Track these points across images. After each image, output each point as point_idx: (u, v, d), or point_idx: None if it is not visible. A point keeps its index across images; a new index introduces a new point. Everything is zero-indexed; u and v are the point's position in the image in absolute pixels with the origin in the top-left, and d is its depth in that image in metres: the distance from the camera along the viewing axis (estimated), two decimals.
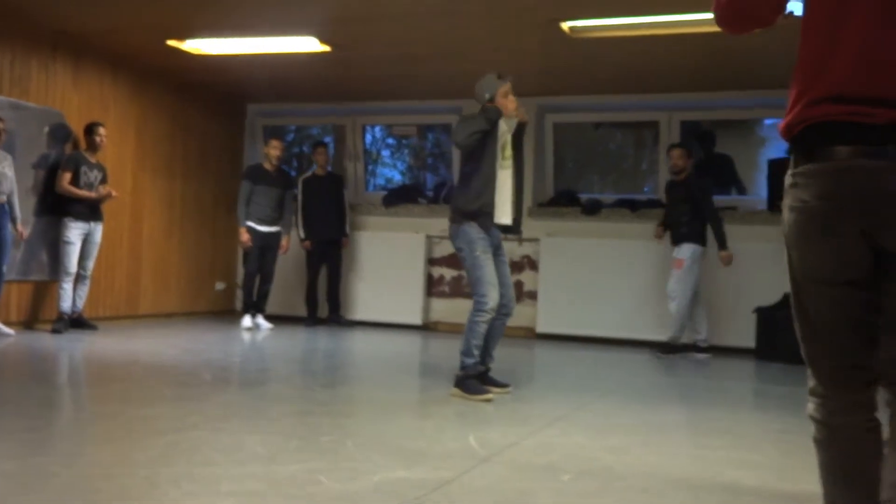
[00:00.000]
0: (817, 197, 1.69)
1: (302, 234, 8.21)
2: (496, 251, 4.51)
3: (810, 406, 1.83)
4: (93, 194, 6.77)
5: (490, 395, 4.33)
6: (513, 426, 3.70)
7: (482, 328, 4.39)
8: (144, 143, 7.94)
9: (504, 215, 4.53)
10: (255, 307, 7.84)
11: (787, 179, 1.77)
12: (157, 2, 5.78)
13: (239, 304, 9.10)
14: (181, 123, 8.39)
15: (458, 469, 2.88)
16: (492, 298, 4.35)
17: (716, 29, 6.48)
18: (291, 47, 6.70)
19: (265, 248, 7.78)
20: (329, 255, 8.29)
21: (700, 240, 6.82)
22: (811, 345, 1.82)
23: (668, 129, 7.93)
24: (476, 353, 4.41)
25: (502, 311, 4.51)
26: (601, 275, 7.74)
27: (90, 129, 6.85)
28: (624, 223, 7.89)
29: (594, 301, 7.76)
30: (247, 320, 7.75)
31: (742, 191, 8.21)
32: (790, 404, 4.65)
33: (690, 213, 6.81)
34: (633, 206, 7.89)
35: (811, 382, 1.83)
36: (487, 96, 4.47)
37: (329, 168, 8.43)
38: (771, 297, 7.12)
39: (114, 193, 6.88)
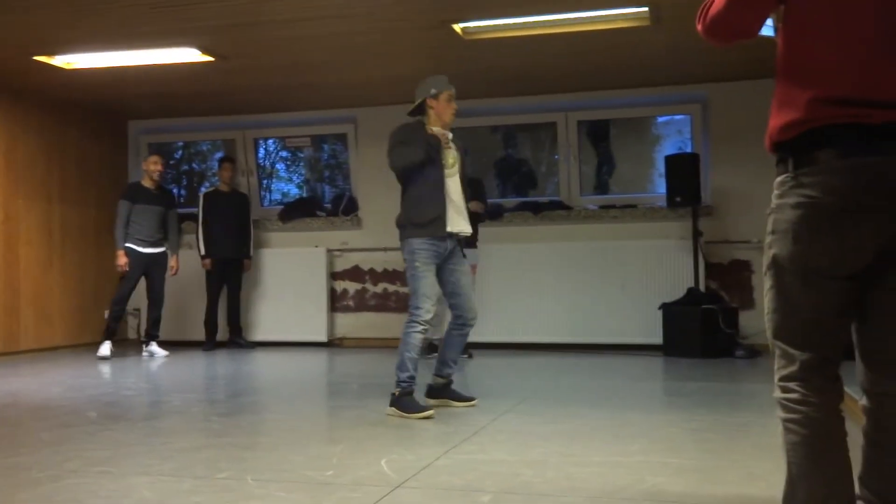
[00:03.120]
0: (828, 193, 1.83)
1: (202, 252, 7.81)
2: (448, 261, 4.35)
3: (782, 390, 1.96)
4: None
5: (430, 412, 4.14)
6: (427, 446, 3.49)
7: (415, 339, 4.22)
8: (15, 166, 7.41)
9: (459, 224, 4.37)
10: (147, 335, 7.40)
11: (785, 178, 1.91)
12: (17, 17, 5.36)
13: (132, 333, 8.63)
14: (56, 144, 7.88)
15: (369, 499, 2.65)
16: (426, 311, 4.21)
17: (608, 26, 6.42)
18: (171, 58, 6.35)
19: (150, 270, 7.32)
20: (229, 275, 7.93)
21: None
22: (794, 335, 1.94)
23: (566, 129, 7.90)
24: (411, 367, 4.22)
25: (459, 321, 4.40)
26: (509, 280, 7.63)
27: None
28: (527, 226, 7.82)
29: (505, 307, 7.64)
30: (105, 348, 7.11)
31: (534, 188, 8.48)
32: (704, 401, 4.59)
33: None
34: (535, 209, 7.82)
35: (786, 369, 1.95)
36: (433, 91, 4.38)
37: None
38: (674, 293, 7.15)
39: None
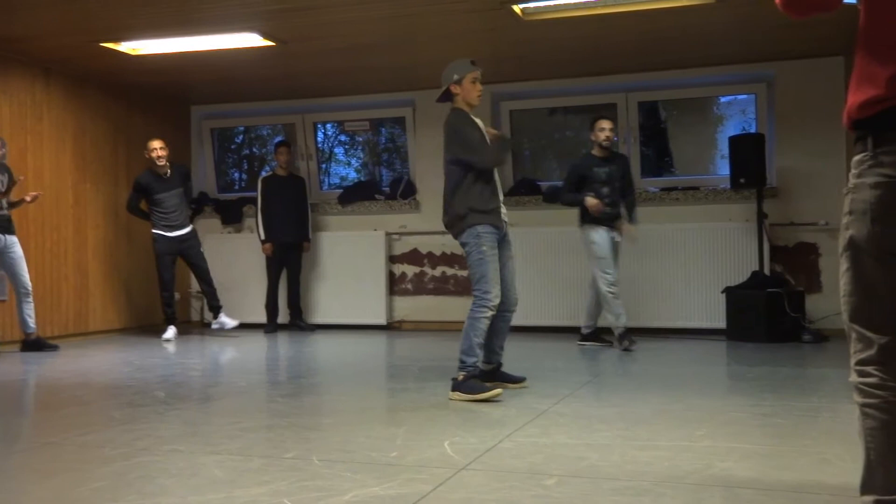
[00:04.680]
0: None
1: (262, 237, 7.92)
2: (503, 248, 4.40)
3: (859, 374, 1.91)
4: None
5: (498, 391, 4.15)
6: (490, 428, 3.49)
7: (483, 325, 4.23)
8: (84, 150, 7.58)
9: (503, 214, 4.49)
10: (211, 308, 7.59)
11: (863, 156, 1.85)
12: (85, 3, 5.46)
13: (195, 315, 8.80)
14: (123, 129, 8.04)
15: (434, 480, 2.66)
16: (495, 296, 4.23)
17: (671, 4, 6.26)
18: (233, 44, 6.41)
19: (184, 252, 7.47)
20: (289, 258, 8.02)
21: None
22: (871, 318, 1.88)
23: (626, 110, 7.78)
24: (479, 351, 4.24)
25: (507, 307, 4.40)
26: (566, 263, 7.58)
27: None
28: None
29: (561, 290, 7.60)
30: (169, 332, 7.34)
31: None
32: (770, 386, 4.51)
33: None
34: None
35: (863, 353, 1.90)
36: (456, 77, 4.42)
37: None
38: (738, 276, 7.02)
39: (28, 199, 6.37)
